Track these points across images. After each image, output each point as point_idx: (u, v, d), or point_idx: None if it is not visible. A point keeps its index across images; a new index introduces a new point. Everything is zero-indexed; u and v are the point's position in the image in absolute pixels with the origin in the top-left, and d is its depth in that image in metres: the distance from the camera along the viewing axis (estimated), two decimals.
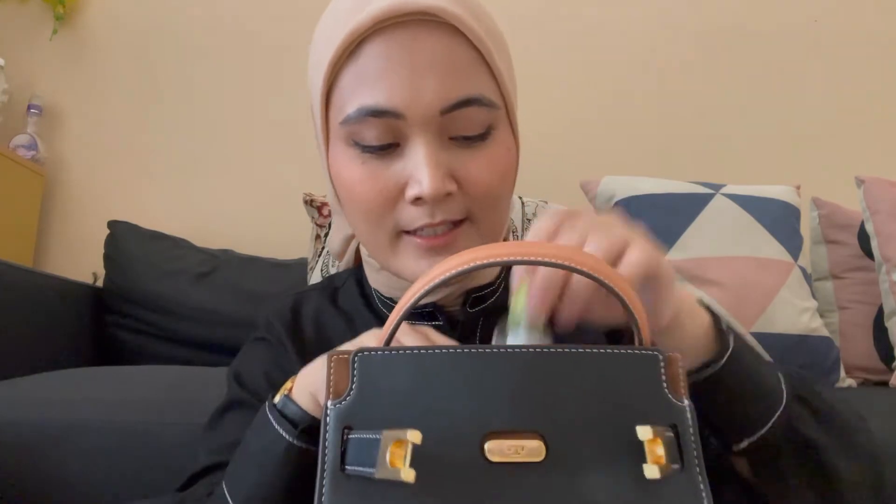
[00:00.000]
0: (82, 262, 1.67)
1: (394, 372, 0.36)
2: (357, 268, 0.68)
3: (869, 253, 1.41)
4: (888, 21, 1.85)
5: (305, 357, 0.52)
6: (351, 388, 0.36)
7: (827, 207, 1.49)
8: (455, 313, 0.60)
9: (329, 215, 1.48)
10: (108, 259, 1.53)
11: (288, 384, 0.48)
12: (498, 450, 0.34)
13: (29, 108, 1.76)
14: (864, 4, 1.85)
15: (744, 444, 0.45)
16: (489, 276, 0.61)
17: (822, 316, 1.33)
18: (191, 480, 0.56)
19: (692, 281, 1.25)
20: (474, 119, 0.50)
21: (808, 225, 1.48)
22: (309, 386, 0.45)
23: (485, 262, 0.37)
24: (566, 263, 0.36)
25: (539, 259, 0.36)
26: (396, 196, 0.51)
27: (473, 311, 0.60)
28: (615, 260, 0.40)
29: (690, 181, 1.39)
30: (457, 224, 0.52)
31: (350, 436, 0.34)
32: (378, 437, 0.33)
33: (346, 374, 0.36)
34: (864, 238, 1.42)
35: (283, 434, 0.45)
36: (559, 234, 0.41)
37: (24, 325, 1.26)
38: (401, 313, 0.38)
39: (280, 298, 0.67)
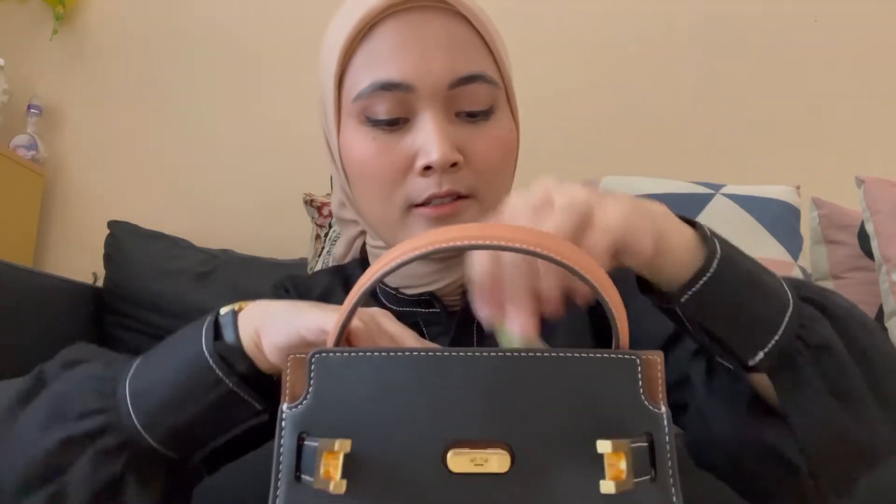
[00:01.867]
0: (82, 262, 1.67)
1: (353, 376, 0.34)
2: (364, 259, 0.68)
3: (869, 253, 1.40)
4: (888, 21, 1.85)
5: None
6: (307, 392, 0.34)
7: (827, 207, 1.49)
8: (454, 302, 0.60)
9: (329, 215, 1.48)
10: (108, 259, 1.53)
11: (244, 304, 0.46)
12: (460, 461, 0.32)
13: (29, 108, 1.76)
14: (864, 4, 1.85)
15: (759, 356, 0.42)
16: None
17: None
18: None
19: None
20: (479, 95, 0.54)
21: (808, 225, 1.48)
22: (257, 319, 0.43)
23: (447, 244, 0.33)
24: (537, 250, 0.33)
25: (509, 245, 0.33)
26: (406, 168, 0.53)
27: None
28: (583, 233, 0.37)
29: (690, 181, 1.39)
30: (462, 198, 0.54)
31: (305, 442, 0.33)
32: (316, 445, 0.32)
33: (303, 376, 0.34)
34: (864, 238, 1.42)
35: (203, 340, 0.43)
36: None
37: (24, 325, 1.26)
38: (357, 295, 0.36)
39: (291, 274, 0.70)
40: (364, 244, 0.67)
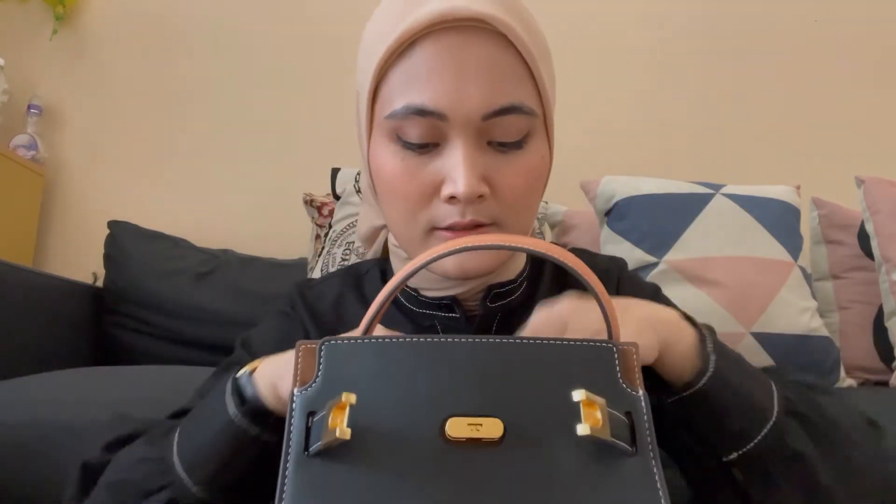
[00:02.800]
0: (82, 262, 1.67)
1: (359, 360, 0.38)
2: (383, 259, 0.69)
3: (869, 253, 1.41)
4: (888, 21, 1.85)
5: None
6: (317, 376, 0.37)
7: (827, 207, 1.49)
8: (474, 307, 0.61)
9: (329, 215, 1.48)
10: (108, 259, 1.53)
11: (256, 363, 0.48)
12: (457, 426, 0.35)
13: (29, 108, 1.76)
14: (864, 4, 1.85)
15: (732, 456, 0.46)
16: (511, 272, 0.62)
17: (822, 316, 1.33)
18: (169, 417, 0.58)
19: (692, 281, 1.25)
20: (513, 126, 0.53)
21: (808, 225, 1.48)
22: (272, 374, 0.46)
23: (465, 245, 0.39)
24: (543, 251, 0.39)
25: (518, 245, 0.39)
26: (432, 193, 0.53)
27: (493, 306, 0.60)
28: None
29: (690, 181, 1.39)
30: (484, 226, 0.54)
31: (314, 420, 0.36)
32: (323, 413, 0.35)
33: (312, 363, 0.38)
34: (864, 238, 1.42)
35: (229, 407, 0.46)
36: None
37: (24, 325, 1.26)
38: (384, 294, 0.40)
39: (304, 280, 0.70)
40: (386, 241, 0.67)
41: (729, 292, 1.23)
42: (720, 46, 1.84)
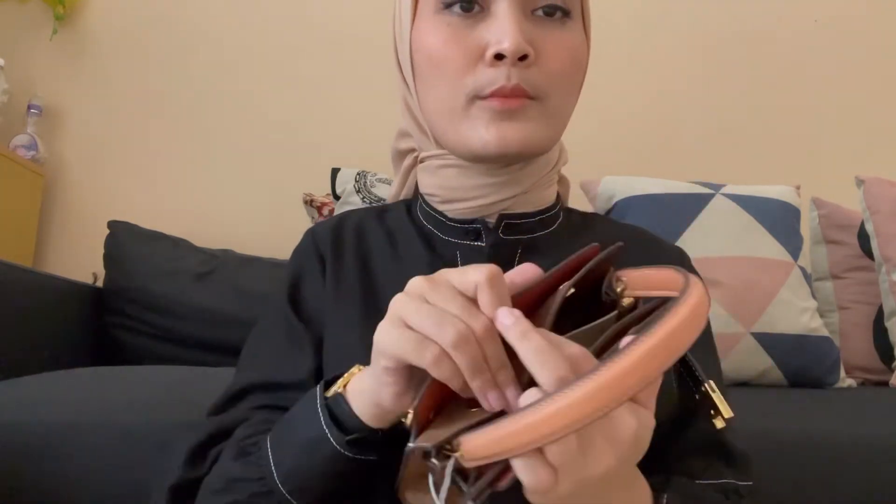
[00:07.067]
0: (82, 262, 1.67)
1: None
2: (409, 202, 0.66)
3: (869, 253, 1.41)
4: (888, 21, 1.85)
5: (342, 263, 0.57)
6: None
7: (827, 207, 1.49)
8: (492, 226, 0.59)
9: (330, 214, 1.48)
10: (108, 259, 1.53)
11: (346, 377, 0.45)
12: None
13: (29, 108, 1.76)
14: (864, 4, 1.85)
15: None
16: (530, 204, 0.59)
17: (822, 316, 1.33)
18: (229, 401, 0.56)
19: None
20: None
21: (808, 225, 1.48)
22: (369, 392, 0.42)
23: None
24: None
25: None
26: (477, 57, 0.53)
27: (507, 237, 0.58)
28: None
29: (690, 181, 1.39)
30: (528, 97, 0.53)
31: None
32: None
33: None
34: (864, 238, 1.42)
35: (332, 437, 0.43)
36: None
37: (24, 325, 1.26)
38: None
39: (311, 229, 0.69)
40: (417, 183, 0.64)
41: (729, 292, 1.23)
42: (720, 46, 1.84)
